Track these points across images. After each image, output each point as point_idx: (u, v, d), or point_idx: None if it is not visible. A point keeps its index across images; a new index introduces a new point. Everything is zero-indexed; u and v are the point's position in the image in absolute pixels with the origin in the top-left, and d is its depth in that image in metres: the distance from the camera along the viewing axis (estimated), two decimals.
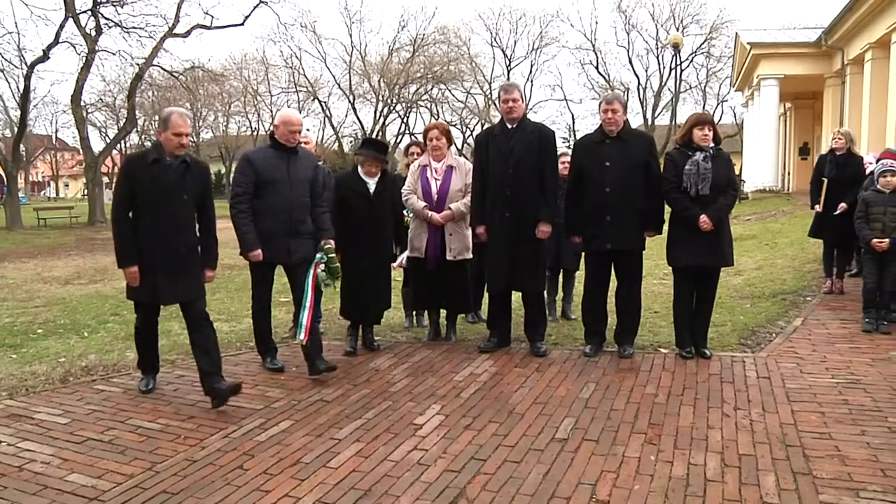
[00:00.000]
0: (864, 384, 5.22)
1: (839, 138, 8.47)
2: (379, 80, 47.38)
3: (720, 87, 47.88)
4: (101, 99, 39.86)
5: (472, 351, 6.22)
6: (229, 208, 5.60)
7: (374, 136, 43.24)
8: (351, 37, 66.92)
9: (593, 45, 49.24)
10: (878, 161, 7.40)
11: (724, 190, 5.72)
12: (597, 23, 70.21)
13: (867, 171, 7.87)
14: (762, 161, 28.61)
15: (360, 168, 6.23)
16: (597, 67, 49.48)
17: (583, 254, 6.29)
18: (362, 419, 4.62)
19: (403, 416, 4.67)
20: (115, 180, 5.30)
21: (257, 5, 31.43)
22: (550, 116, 59.46)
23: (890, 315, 6.92)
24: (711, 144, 5.70)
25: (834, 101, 25.48)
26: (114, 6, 26.65)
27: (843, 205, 8.04)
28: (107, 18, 26.89)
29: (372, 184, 6.17)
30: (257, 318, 5.93)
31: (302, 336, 5.43)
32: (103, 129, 47.27)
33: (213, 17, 41.83)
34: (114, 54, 28.42)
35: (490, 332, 6.36)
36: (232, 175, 7.37)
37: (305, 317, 5.46)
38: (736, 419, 4.53)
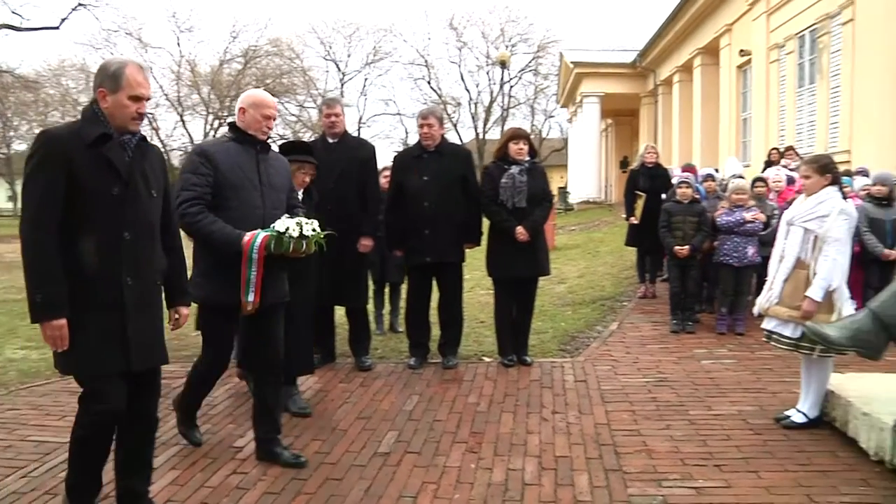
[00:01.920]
0: (671, 381, 5.57)
1: (652, 152, 9.06)
2: (209, 92, 45.97)
3: (547, 103, 49.89)
4: None
5: None
6: (178, 217, 3.84)
7: None
8: (179, 46, 64.62)
9: (426, 61, 50.05)
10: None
11: (540, 202, 5.94)
12: (430, 39, 71.72)
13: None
14: (586, 174, 30.13)
15: None
16: (429, 82, 50.31)
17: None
18: (178, 445, 4.40)
19: (223, 440, 4.50)
20: (26, 174, 3.06)
21: (75, 8, 29.62)
22: (384, 131, 59.95)
23: (694, 316, 7.45)
24: (527, 158, 5.90)
25: (648, 118, 27.30)
26: None
27: (632, 218, 8.72)
28: None
29: (300, 198, 4.88)
30: (198, 386, 4.34)
31: (251, 297, 3.92)
32: None
33: (22, 17, 38.75)
34: None
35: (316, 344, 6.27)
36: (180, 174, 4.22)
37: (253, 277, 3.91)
38: (554, 423, 4.69)
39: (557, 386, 5.48)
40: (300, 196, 4.73)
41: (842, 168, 9.28)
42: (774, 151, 11.16)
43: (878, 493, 3.65)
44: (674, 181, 7.86)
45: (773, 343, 4.65)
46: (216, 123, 47.41)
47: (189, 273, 3.80)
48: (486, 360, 6.27)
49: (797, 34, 13.60)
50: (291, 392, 4.97)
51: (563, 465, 4.01)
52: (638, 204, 8.76)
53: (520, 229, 5.77)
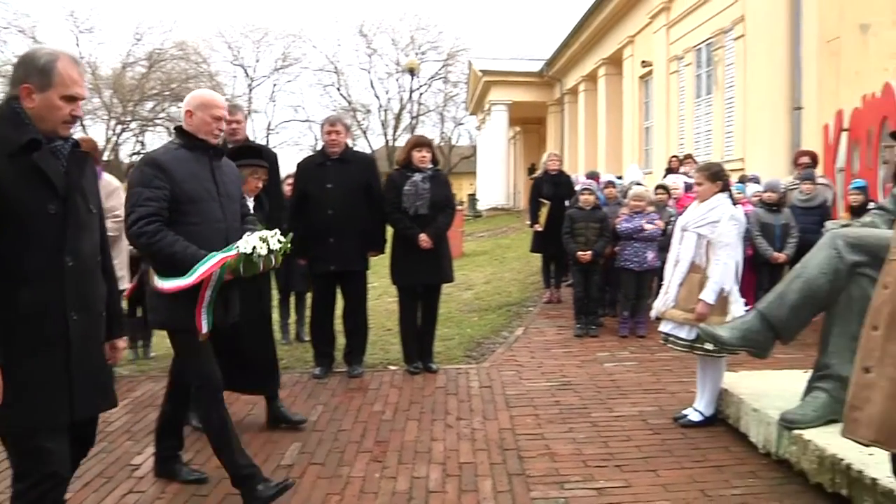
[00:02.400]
0: (574, 385, 5.67)
1: (554, 160, 9.22)
2: (111, 96, 44.44)
3: (457, 111, 50.21)
4: None
5: None
6: (131, 237, 3.57)
7: (104, 155, 40.34)
8: (79, 47, 62.26)
9: (336, 67, 49.65)
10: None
11: (443, 209, 5.96)
12: (339, 45, 70.81)
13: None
14: (494, 181, 30.41)
15: None
16: (339, 89, 49.96)
17: None
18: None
19: (119, 458, 4.32)
20: None
21: None
22: (293, 137, 58.92)
23: (597, 320, 7.61)
24: (430, 166, 5.93)
25: (555, 126, 27.78)
26: None
27: (537, 226, 8.88)
28: None
29: (251, 206, 4.60)
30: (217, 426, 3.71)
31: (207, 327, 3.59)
32: None
33: None
34: None
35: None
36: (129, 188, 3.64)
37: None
38: (458, 429, 4.70)
39: (462, 392, 5.50)
40: (251, 203, 4.53)
41: (737, 175, 9.77)
42: (674, 159, 11.50)
43: (765, 483, 3.83)
44: (577, 188, 8.02)
45: (669, 345, 4.79)
46: (119, 129, 45.87)
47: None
48: (392, 368, 6.24)
49: (695, 47, 14.08)
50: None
51: (467, 472, 4.02)
52: (542, 211, 8.87)
53: (423, 237, 5.77)
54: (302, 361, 6.53)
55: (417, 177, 5.84)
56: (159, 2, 65.48)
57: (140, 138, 48.42)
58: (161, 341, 7.11)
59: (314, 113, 48.00)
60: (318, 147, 7.51)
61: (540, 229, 8.95)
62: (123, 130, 46.50)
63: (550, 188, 8.98)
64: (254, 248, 3.47)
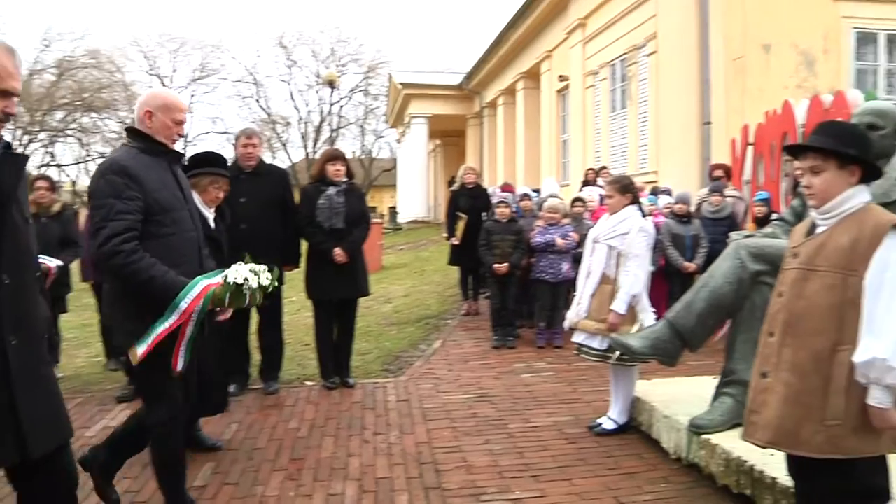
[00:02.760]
0: (491, 396, 5.69)
1: (470, 173, 9.28)
2: (17, 105, 42.81)
3: (377, 124, 50.13)
4: None
5: (108, 402, 5.73)
6: (102, 256, 3.19)
7: None
8: None
9: (255, 79, 49.01)
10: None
11: (358, 223, 5.92)
12: (259, 56, 70.12)
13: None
14: (414, 194, 30.46)
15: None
16: (258, 101, 49.30)
17: None
18: None
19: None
20: None
21: None
22: (212, 149, 57.70)
23: (514, 331, 7.67)
24: (344, 179, 5.88)
25: (475, 139, 28.00)
26: None
27: (454, 239, 8.96)
28: None
29: (211, 217, 4.53)
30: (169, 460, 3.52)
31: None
32: None
33: None
34: None
35: (129, 377, 5.93)
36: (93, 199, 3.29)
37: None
38: (375, 444, 4.66)
39: (380, 407, 5.46)
40: (212, 215, 4.37)
41: (650, 187, 10.04)
42: (590, 172, 11.72)
43: (676, 488, 3.92)
44: (493, 200, 8.10)
45: (583, 355, 4.86)
46: (26, 139, 44.20)
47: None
48: (309, 383, 6.15)
49: (609, 62, 14.41)
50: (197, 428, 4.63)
51: (383, 487, 3.99)
52: (459, 225, 8.91)
53: (337, 251, 5.73)
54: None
55: (332, 190, 5.79)
56: (70, 8, 63.31)
57: (50, 149, 46.72)
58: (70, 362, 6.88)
59: (233, 125, 47.15)
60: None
61: (457, 243, 9.00)
62: (31, 141, 44.82)
63: (467, 201, 9.04)
64: (245, 279, 3.26)
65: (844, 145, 2.49)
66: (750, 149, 9.38)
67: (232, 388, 5.81)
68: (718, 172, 8.63)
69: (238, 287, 3.25)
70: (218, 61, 50.14)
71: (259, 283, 3.31)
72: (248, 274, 3.27)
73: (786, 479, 3.07)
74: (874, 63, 12.02)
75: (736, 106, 11.04)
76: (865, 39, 11.97)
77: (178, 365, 3.29)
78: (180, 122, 3.44)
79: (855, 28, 11.81)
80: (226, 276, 3.27)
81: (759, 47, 11.32)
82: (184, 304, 3.17)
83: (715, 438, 3.92)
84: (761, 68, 11.29)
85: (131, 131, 3.42)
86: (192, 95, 49.93)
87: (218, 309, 3.41)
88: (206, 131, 57.06)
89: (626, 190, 4.86)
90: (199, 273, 3.34)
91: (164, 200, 3.28)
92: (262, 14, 69.49)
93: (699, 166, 10.89)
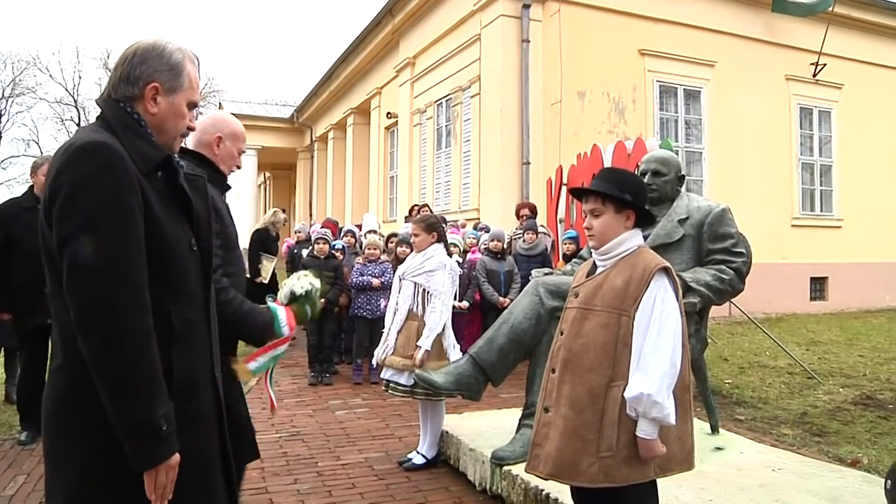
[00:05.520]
0: (303, 434, 5.61)
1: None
2: None
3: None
4: None
5: None
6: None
7: None
8: None
9: (75, 101, 46.41)
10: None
11: None
12: (80, 77, 66.00)
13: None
14: (242, 226, 29.59)
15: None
16: (79, 124, 46.65)
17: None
18: None
19: None
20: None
21: None
22: (24, 174, 53.73)
23: (332, 368, 7.61)
24: None
25: (305, 173, 27.84)
26: None
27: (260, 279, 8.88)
28: None
29: None
30: None
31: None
32: None
33: None
34: None
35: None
36: None
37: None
38: None
39: None
40: None
41: (471, 224, 10.32)
42: (415, 208, 11.92)
43: None
44: (313, 237, 8.08)
45: (391, 391, 4.89)
46: None
47: None
48: None
49: (436, 101, 14.77)
50: None
51: None
52: (265, 265, 8.88)
53: None
54: (7, 426, 5.89)
55: None
56: None
57: None
58: None
59: (50, 148, 44.27)
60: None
61: (265, 281, 8.85)
62: None
63: (274, 244, 9.42)
64: (311, 286, 3.03)
65: (621, 191, 2.65)
66: (564, 189, 9.87)
67: (23, 437, 5.43)
68: (525, 211, 9.02)
69: (308, 293, 3.03)
70: (34, 79, 47.11)
71: (314, 286, 3.07)
72: (303, 282, 3.04)
73: None
74: (675, 114, 13.07)
75: (552, 147, 11.64)
76: (668, 92, 13.00)
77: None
78: (242, 153, 3.21)
79: (658, 81, 12.83)
80: (292, 292, 3.02)
81: (574, 94, 12.03)
82: (286, 331, 2.90)
83: (515, 469, 4.03)
84: (576, 113, 11.99)
85: (196, 155, 3.01)
86: (1, 115, 46.48)
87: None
88: (18, 154, 53.11)
89: (432, 228, 4.98)
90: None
91: (232, 234, 3.01)
92: (87, 32, 65.89)
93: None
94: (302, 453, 5.16)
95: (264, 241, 9.17)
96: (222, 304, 2.65)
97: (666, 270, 2.58)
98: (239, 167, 3.22)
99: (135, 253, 1.80)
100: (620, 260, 2.65)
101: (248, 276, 9.52)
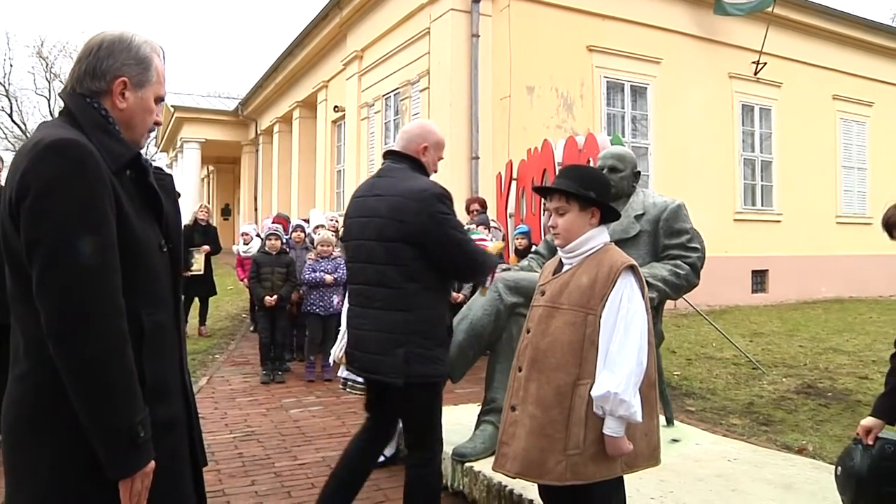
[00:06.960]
0: (258, 434, 5.53)
1: (203, 210, 10.03)
2: None
3: (148, 147, 47.60)
4: None
5: None
6: None
7: None
8: None
9: (7, 91, 44.95)
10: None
11: None
12: (11, 66, 63.84)
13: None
14: (185, 220, 29.21)
15: None
16: (11, 115, 45.22)
17: None
18: None
19: None
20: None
21: None
22: None
23: (284, 365, 7.53)
24: None
25: (250, 166, 27.46)
26: None
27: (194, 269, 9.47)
28: None
29: None
30: None
31: None
32: None
33: None
34: None
35: None
36: None
37: None
38: None
39: None
40: None
41: None
42: None
43: None
44: (262, 233, 8.00)
45: (348, 390, 4.86)
46: None
47: None
48: None
49: (384, 95, 14.68)
50: None
51: None
52: (197, 258, 9.53)
53: None
54: None
55: None
56: None
57: None
58: None
59: None
60: None
61: (200, 272, 9.57)
62: None
63: (200, 237, 9.80)
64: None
65: (585, 189, 2.65)
66: (514, 184, 9.91)
67: None
68: (475, 206, 9.03)
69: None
70: None
71: None
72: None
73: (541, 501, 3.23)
74: (622, 109, 13.23)
75: (502, 142, 11.68)
76: (615, 88, 13.15)
77: None
78: (440, 160, 3.55)
79: (606, 77, 12.97)
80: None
81: (523, 89, 12.07)
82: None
83: (477, 465, 4.05)
84: (525, 108, 12.04)
85: (411, 160, 3.38)
86: None
87: None
88: None
89: None
90: None
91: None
92: (19, 20, 63.78)
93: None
94: (258, 454, 5.08)
95: (189, 236, 9.54)
96: None
97: (632, 269, 2.61)
98: (436, 171, 3.53)
99: (109, 255, 1.73)
100: (587, 258, 2.66)
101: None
